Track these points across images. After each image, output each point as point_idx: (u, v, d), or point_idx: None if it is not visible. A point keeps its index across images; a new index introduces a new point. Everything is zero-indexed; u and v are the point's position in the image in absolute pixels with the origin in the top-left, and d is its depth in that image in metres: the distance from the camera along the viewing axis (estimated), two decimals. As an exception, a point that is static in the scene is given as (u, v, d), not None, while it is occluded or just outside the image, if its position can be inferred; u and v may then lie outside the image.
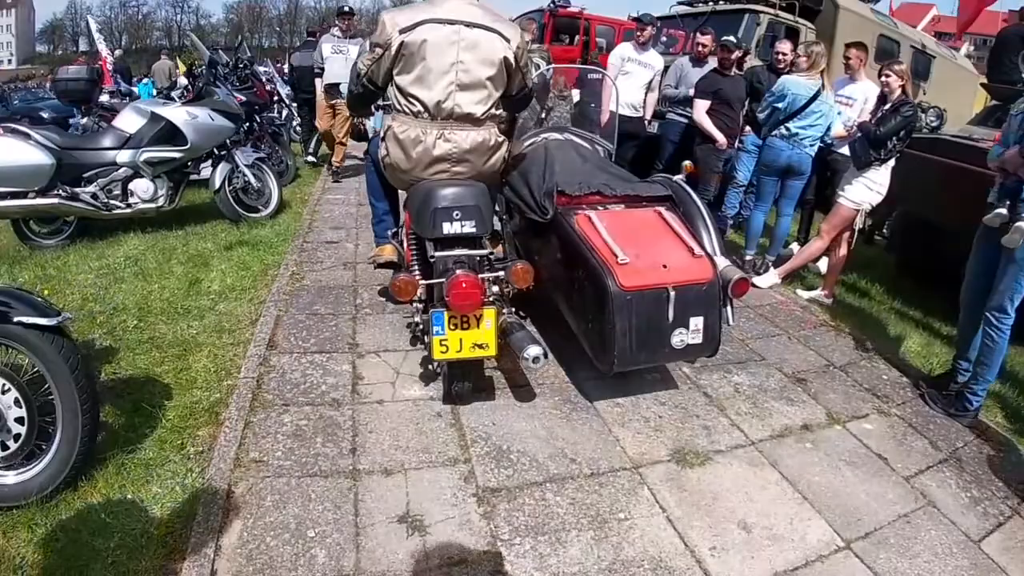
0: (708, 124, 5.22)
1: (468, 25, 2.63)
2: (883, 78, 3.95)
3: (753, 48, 7.42)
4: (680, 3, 8.98)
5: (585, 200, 3.05)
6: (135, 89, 11.57)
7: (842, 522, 2.31)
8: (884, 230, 5.99)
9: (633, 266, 2.62)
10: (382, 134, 2.91)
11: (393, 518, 2.15)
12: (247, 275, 4.16)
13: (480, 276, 2.49)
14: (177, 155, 4.89)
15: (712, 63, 5.55)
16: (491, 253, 2.80)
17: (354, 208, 6.05)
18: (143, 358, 3.06)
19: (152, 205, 4.87)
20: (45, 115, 9.43)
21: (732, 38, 5.28)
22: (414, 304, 2.70)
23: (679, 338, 2.65)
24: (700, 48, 5.89)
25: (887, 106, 3.94)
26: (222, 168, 5.22)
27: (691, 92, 5.49)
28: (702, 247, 2.83)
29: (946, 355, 3.70)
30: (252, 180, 5.42)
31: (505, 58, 2.71)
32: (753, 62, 6.69)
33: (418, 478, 2.35)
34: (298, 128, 9.07)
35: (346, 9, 7.08)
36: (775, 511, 2.34)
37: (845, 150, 4.55)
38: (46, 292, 3.66)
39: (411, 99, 2.70)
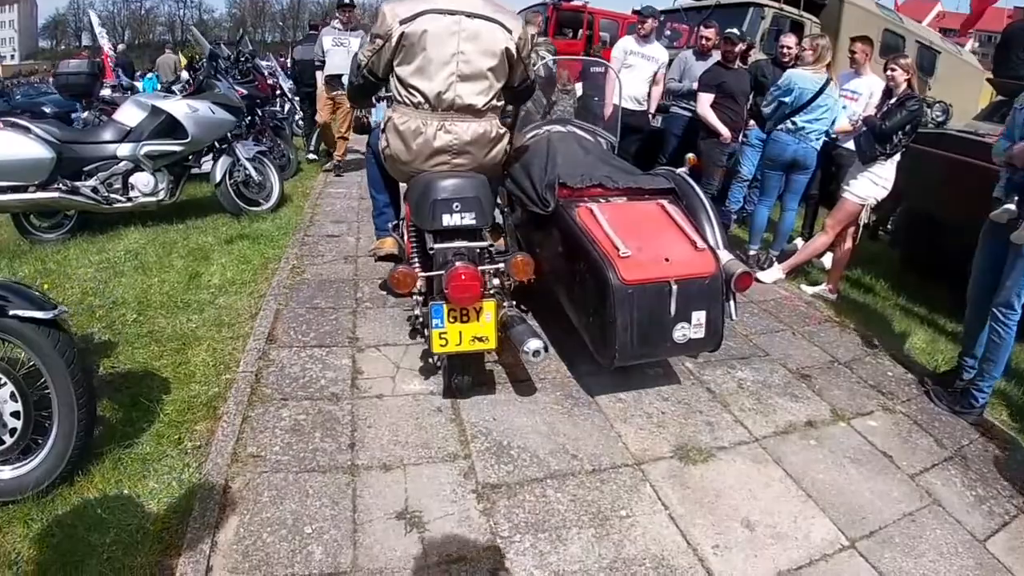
0: (712, 118, 5.18)
1: (469, 15, 2.59)
2: (888, 72, 3.91)
3: (758, 42, 7.36)
4: None
5: (587, 192, 3.02)
6: (137, 83, 11.57)
7: (846, 520, 2.29)
8: (889, 225, 5.94)
9: (635, 259, 2.59)
10: (382, 125, 2.88)
11: (391, 514, 2.13)
12: (247, 269, 4.14)
13: (480, 268, 2.47)
14: (178, 148, 4.86)
15: (716, 56, 5.51)
16: (491, 245, 2.77)
17: (355, 202, 6.02)
18: (142, 352, 3.04)
19: (152, 199, 4.85)
20: (47, 110, 9.40)
21: (735, 30, 5.23)
22: (414, 297, 2.67)
23: (681, 332, 2.62)
24: (704, 42, 5.84)
25: (892, 100, 3.90)
26: (223, 161, 5.19)
27: (695, 86, 5.45)
28: (705, 240, 2.80)
29: (951, 352, 3.67)
30: (253, 174, 5.40)
31: (507, 49, 2.67)
32: (758, 56, 6.64)
33: (417, 474, 2.33)
34: (300, 122, 9.04)
35: (346, 1, 7.03)
36: (779, 509, 2.32)
37: (850, 145, 4.50)
38: (46, 286, 3.64)
39: (412, 90, 2.67)
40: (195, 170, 5.30)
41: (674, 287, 2.56)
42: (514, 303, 2.89)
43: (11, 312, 2.01)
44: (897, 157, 4.01)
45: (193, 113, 4.89)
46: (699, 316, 2.64)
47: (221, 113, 5.09)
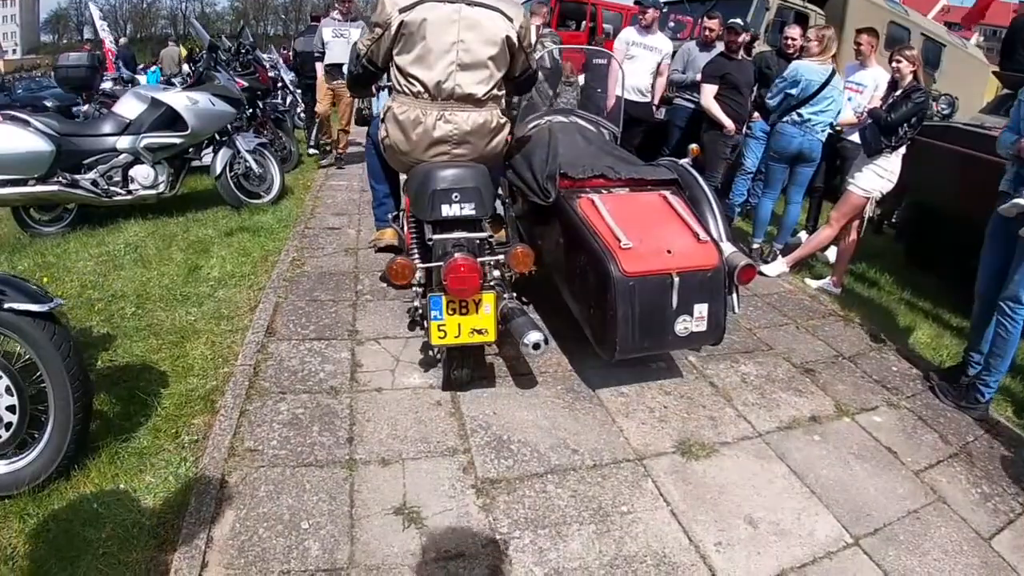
0: (716, 109, 5.12)
1: (469, 4, 2.56)
2: (894, 64, 3.85)
3: (762, 33, 7.30)
4: None
5: (589, 183, 2.98)
6: (140, 76, 11.53)
7: (850, 517, 2.26)
8: (894, 219, 5.89)
9: (636, 251, 2.55)
10: (382, 115, 2.85)
11: (389, 510, 2.10)
12: (247, 261, 4.12)
13: (479, 260, 2.43)
14: (178, 141, 4.84)
15: (720, 47, 5.45)
16: (491, 236, 2.73)
17: (356, 194, 5.98)
18: (140, 345, 3.03)
19: (152, 191, 4.83)
20: (49, 104, 9.42)
21: (739, 21, 5.16)
22: (413, 288, 2.65)
23: (683, 325, 2.59)
24: (708, 32, 5.77)
25: (898, 92, 3.85)
26: (223, 154, 5.16)
27: (698, 77, 5.39)
28: (708, 232, 2.77)
29: (956, 347, 3.63)
30: (254, 166, 5.37)
31: (507, 37, 2.64)
32: (762, 47, 6.58)
33: (416, 468, 2.31)
34: (302, 115, 9.01)
35: None
36: (782, 505, 2.29)
37: (855, 137, 4.45)
38: (45, 280, 3.63)
39: (411, 79, 2.64)
40: (195, 163, 5.28)
41: (676, 279, 2.53)
42: (515, 295, 2.85)
43: (6, 305, 1.99)
44: (902, 150, 3.96)
45: (193, 105, 4.87)
46: (701, 309, 2.60)
47: (221, 105, 5.06)
